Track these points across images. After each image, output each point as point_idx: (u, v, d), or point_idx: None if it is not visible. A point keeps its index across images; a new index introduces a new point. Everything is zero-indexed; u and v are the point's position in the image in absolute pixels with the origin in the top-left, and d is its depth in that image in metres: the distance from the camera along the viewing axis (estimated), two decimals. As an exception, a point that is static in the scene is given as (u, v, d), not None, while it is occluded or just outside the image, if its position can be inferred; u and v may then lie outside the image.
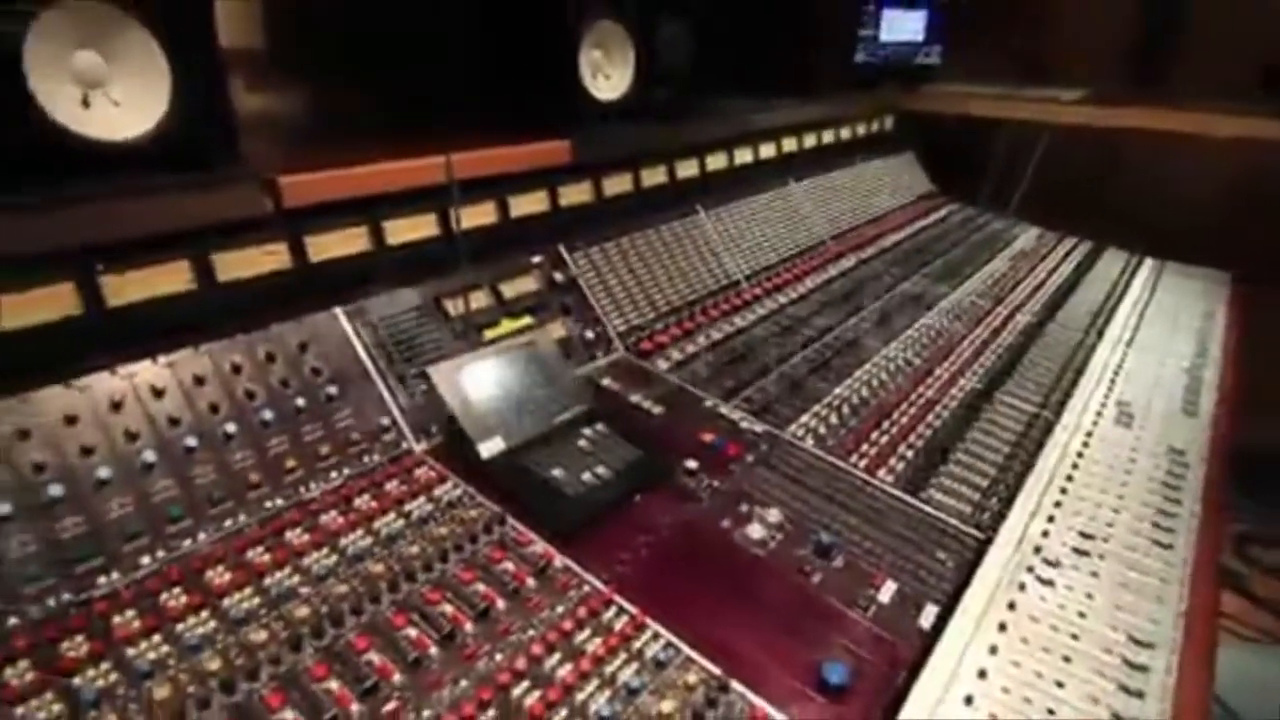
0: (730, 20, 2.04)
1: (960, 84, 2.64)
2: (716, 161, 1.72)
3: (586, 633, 0.78)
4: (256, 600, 0.76)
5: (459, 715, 0.68)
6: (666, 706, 0.71)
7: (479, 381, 1.04)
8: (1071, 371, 1.50)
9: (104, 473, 0.80)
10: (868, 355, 1.46)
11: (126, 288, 0.86)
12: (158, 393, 0.86)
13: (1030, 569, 0.98)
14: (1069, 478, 1.19)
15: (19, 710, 0.63)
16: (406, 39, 1.41)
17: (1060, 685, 0.80)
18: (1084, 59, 2.56)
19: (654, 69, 1.48)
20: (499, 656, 0.74)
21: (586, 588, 0.83)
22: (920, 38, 2.66)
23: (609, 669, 0.74)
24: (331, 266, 1.05)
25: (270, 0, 1.32)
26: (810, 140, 2.06)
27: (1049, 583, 0.96)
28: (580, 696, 0.71)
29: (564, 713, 0.69)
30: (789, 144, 1.97)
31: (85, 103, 0.80)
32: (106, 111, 0.82)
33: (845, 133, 2.22)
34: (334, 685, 0.69)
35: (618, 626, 0.79)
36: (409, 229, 1.14)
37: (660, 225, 1.56)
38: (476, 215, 1.22)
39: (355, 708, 0.68)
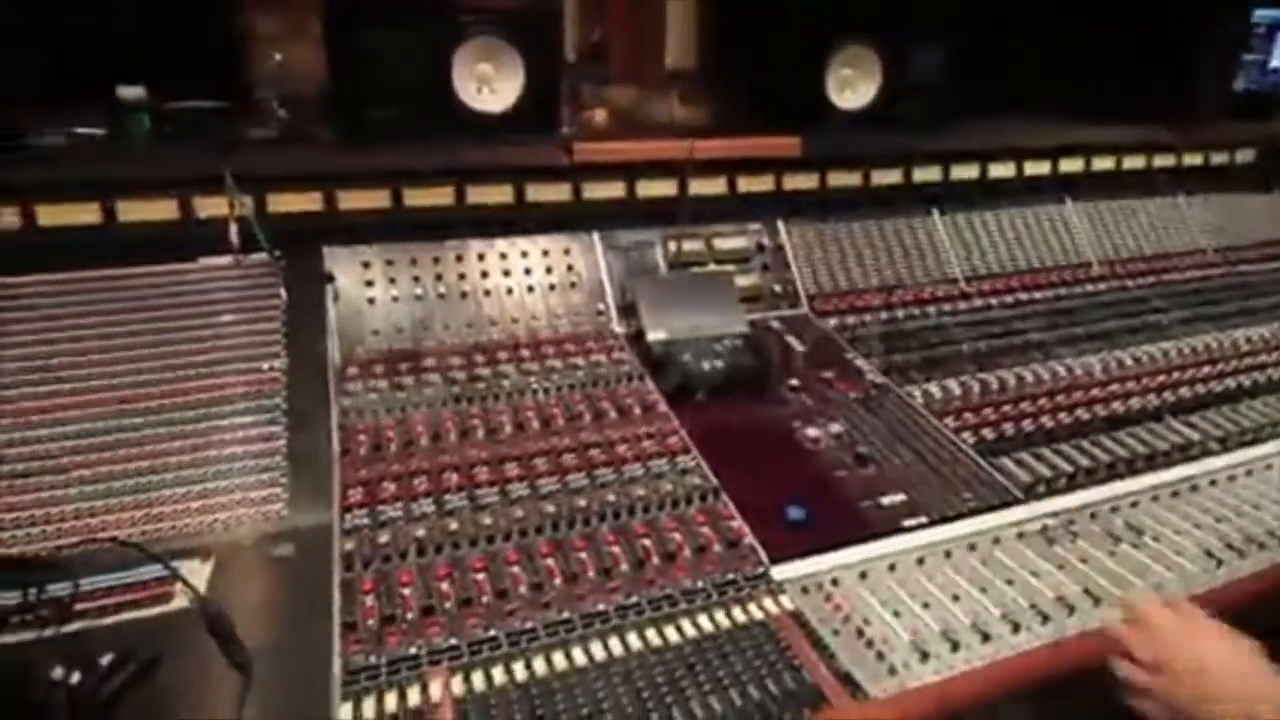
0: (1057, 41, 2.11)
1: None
2: (965, 171, 1.88)
3: (650, 441, 1.19)
4: (494, 371, 1.34)
5: (565, 447, 1.16)
6: (670, 486, 1.10)
7: (666, 293, 1.49)
8: (1295, 425, 1.37)
9: (465, 287, 1.46)
10: (1043, 359, 1.52)
11: (478, 194, 1.52)
12: (480, 256, 1.50)
13: (1044, 529, 1.09)
14: (1175, 494, 1.18)
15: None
16: (757, 65, 1.87)
17: (957, 598, 0.96)
18: None
19: (902, 85, 1.74)
20: (597, 435, 1.20)
21: (668, 424, 1.24)
22: (1330, 62, 2.30)
23: (651, 461, 1.15)
24: (596, 205, 1.60)
25: (702, 40, 1.92)
26: (1105, 163, 2.03)
27: (1052, 542, 1.07)
28: (626, 467, 1.13)
29: (611, 468, 1.13)
30: (1070, 164, 1.99)
31: (479, 90, 1.46)
32: (488, 96, 1.47)
33: (1162, 160, 2.10)
34: (507, 417, 1.23)
35: (672, 444, 1.19)
36: (654, 189, 1.63)
37: (884, 219, 1.80)
38: (709, 186, 1.66)
39: (510, 429, 1.20)
